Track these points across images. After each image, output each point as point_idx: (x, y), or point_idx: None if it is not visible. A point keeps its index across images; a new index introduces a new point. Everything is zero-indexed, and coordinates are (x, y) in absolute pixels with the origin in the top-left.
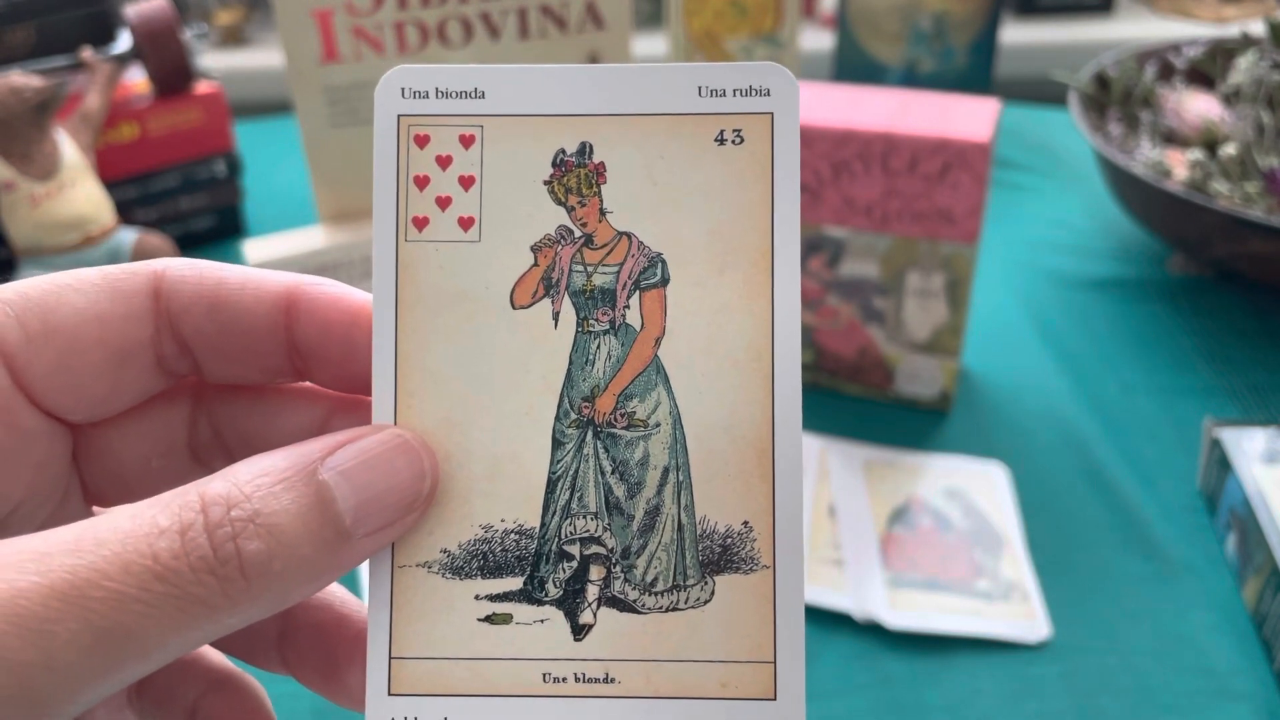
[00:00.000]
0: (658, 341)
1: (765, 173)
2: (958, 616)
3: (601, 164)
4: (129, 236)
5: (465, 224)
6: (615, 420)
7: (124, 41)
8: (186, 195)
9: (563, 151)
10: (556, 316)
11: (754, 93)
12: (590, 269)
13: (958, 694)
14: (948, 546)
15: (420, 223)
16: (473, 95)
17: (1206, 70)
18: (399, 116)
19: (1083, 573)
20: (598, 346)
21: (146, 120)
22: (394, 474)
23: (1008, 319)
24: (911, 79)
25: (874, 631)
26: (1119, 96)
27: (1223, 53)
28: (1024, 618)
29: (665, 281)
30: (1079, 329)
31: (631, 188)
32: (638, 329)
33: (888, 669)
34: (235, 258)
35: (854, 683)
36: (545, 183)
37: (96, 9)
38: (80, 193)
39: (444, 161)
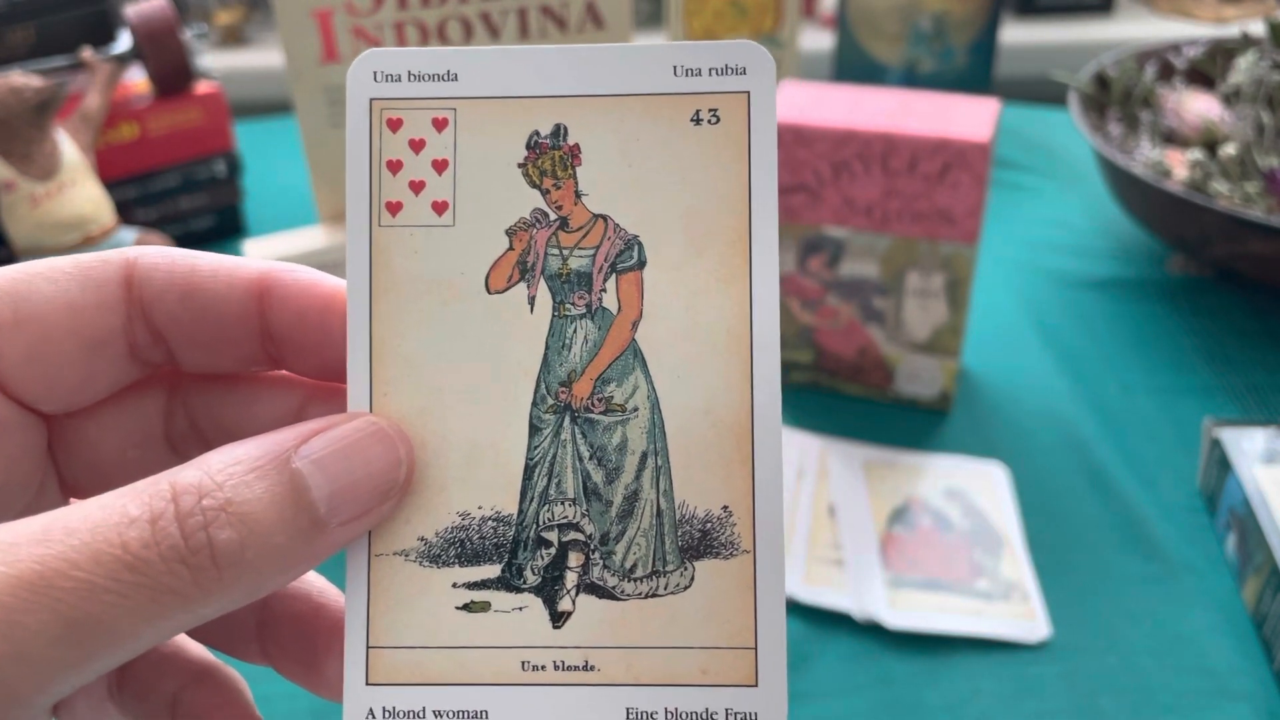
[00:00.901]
0: (635, 325)
1: (742, 153)
2: (958, 616)
3: (576, 146)
4: (129, 236)
5: (439, 208)
6: (593, 405)
7: (124, 41)
8: (186, 195)
9: (537, 134)
10: (532, 301)
11: (730, 71)
12: (566, 252)
13: (958, 694)
14: (948, 546)
15: (393, 208)
16: (445, 78)
17: (1206, 70)
18: (371, 100)
19: (1083, 573)
20: (574, 330)
21: (146, 120)
22: (369, 462)
23: (1008, 319)
24: (911, 79)
25: (874, 631)
26: (1119, 96)
27: (1223, 53)
28: (1024, 618)
29: (642, 264)
30: (1079, 329)
31: (607, 170)
32: (615, 312)
33: (888, 669)
34: None
35: (854, 683)
36: (519, 165)
37: (96, 9)
38: (80, 193)
39: (417, 145)
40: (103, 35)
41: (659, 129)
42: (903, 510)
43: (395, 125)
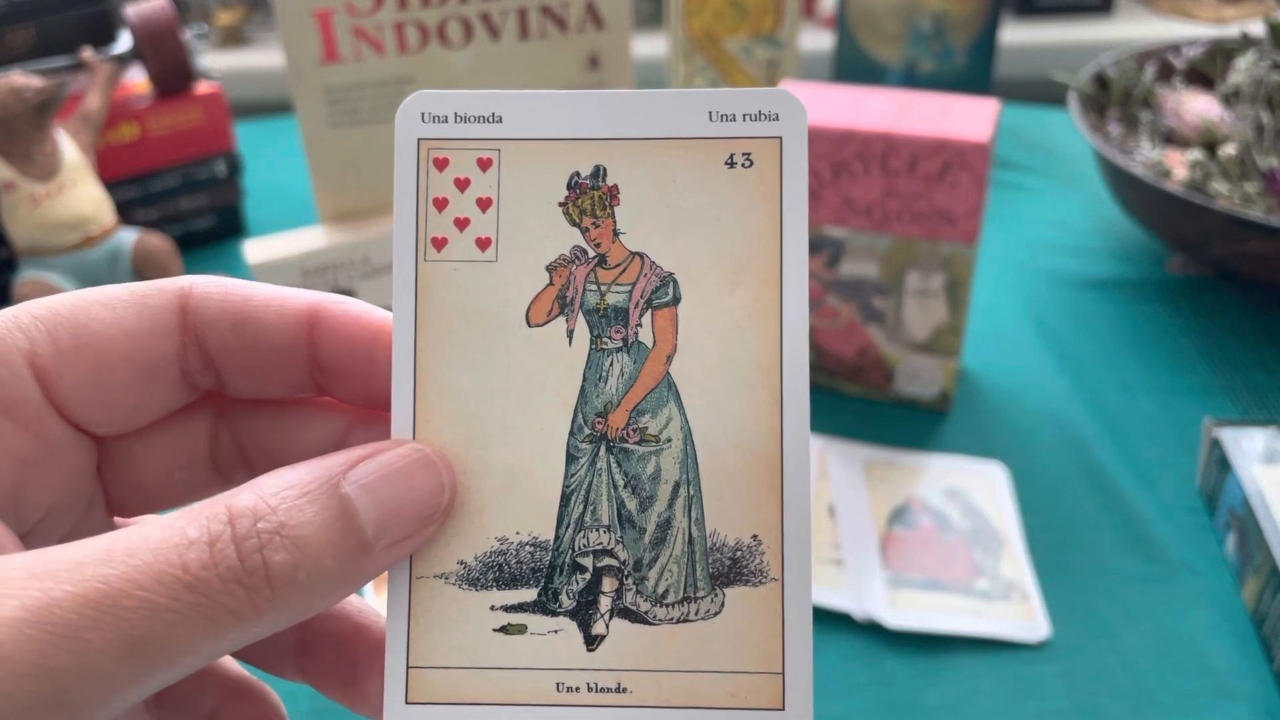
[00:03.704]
0: (669, 359)
1: (774, 194)
2: (957, 616)
3: (615, 186)
4: (129, 237)
5: (483, 244)
6: (628, 435)
7: (124, 41)
8: (187, 195)
9: (577, 174)
10: (571, 334)
11: (763, 117)
12: (604, 288)
13: (957, 694)
14: (947, 546)
15: (439, 243)
16: (490, 120)
17: (1206, 70)
18: (419, 140)
19: (1082, 573)
20: (611, 363)
21: (147, 120)
22: (414, 487)
23: (1008, 319)
24: (911, 79)
25: (874, 631)
26: (1119, 97)
27: (1222, 53)
28: (1023, 617)
29: (677, 300)
30: (1079, 329)
31: (644, 209)
32: (650, 346)
33: (887, 669)
34: (236, 258)
35: (854, 683)
36: (560, 204)
37: (97, 9)
38: (80, 193)
39: (462, 184)
40: (103, 35)
41: (695, 171)
42: (902, 510)
43: (442, 164)
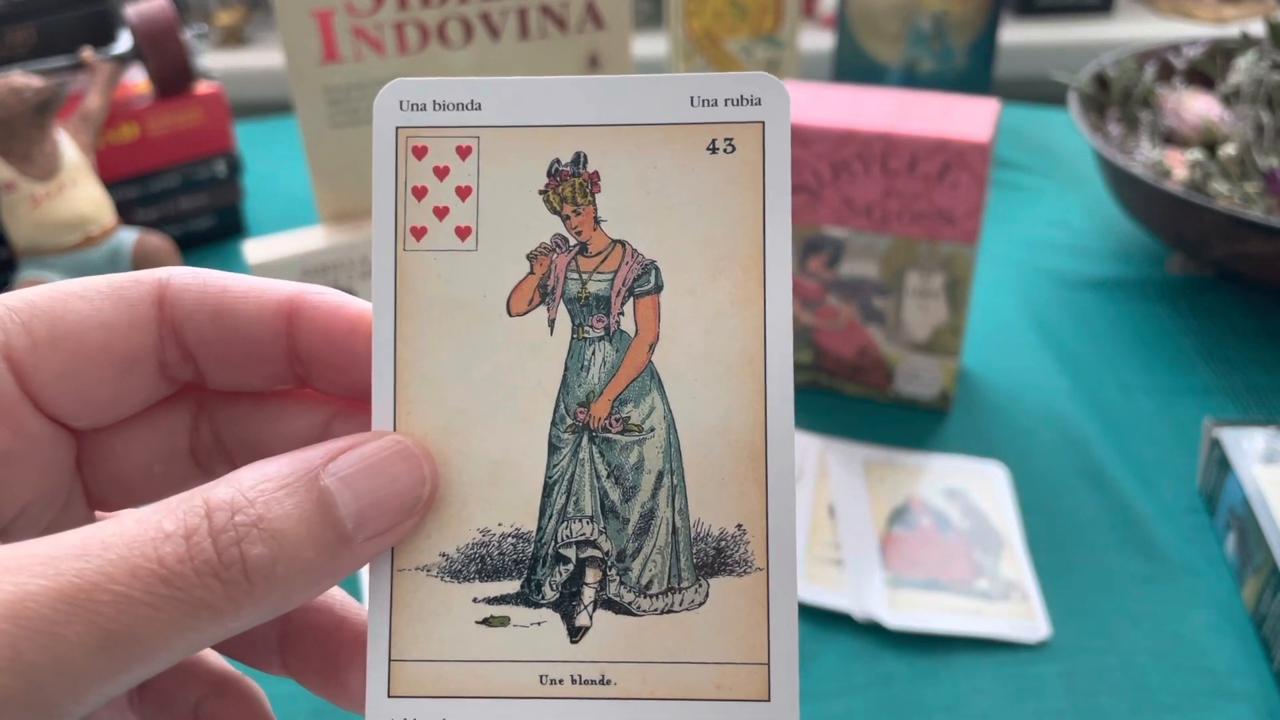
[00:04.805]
0: (652, 347)
1: (757, 180)
2: (957, 616)
3: (595, 173)
4: (129, 236)
5: (462, 233)
6: (610, 425)
7: (124, 41)
8: (186, 195)
9: (557, 161)
10: (552, 323)
11: (745, 102)
12: (585, 276)
13: (957, 694)
14: (947, 546)
15: (418, 232)
16: (469, 107)
17: (1206, 70)
18: (397, 128)
19: (1082, 573)
20: (593, 353)
21: (147, 120)
22: (394, 479)
23: (1007, 319)
24: (911, 79)
25: (873, 631)
26: (1119, 97)
27: (1222, 53)
28: (1023, 617)
29: (659, 288)
30: (1079, 329)
31: (625, 196)
32: (632, 335)
33: (887, 669)
34: (236, 257)
35: (853, 683)
36: (540, 192)
37: (97, 9)
38: (80, 193)
39: (441, 172)
40: (103, 35)
41: (676, 157)
42: (902, 510)
43: (420, 153)
